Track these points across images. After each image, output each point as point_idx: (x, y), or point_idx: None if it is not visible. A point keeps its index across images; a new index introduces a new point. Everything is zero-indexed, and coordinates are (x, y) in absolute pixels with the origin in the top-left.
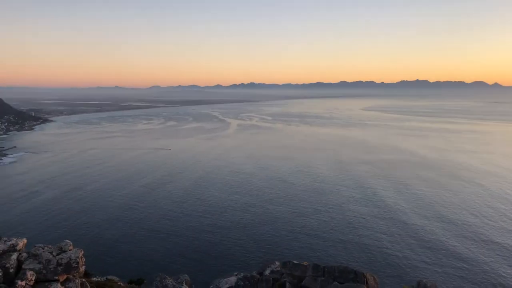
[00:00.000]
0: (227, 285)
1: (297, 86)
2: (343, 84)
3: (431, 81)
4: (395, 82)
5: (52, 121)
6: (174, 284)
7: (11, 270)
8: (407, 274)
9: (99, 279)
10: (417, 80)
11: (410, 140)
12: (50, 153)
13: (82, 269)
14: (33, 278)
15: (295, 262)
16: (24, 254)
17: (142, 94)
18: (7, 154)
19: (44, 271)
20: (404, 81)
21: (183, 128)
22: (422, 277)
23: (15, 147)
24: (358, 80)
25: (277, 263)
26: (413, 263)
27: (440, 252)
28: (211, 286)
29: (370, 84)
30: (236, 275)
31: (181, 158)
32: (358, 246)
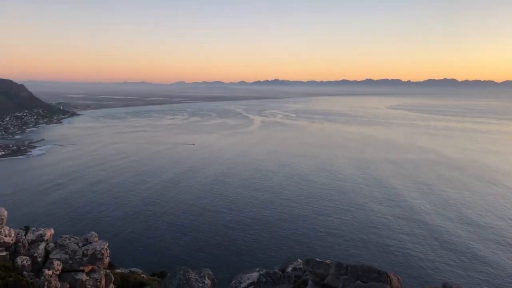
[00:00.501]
0: (249, 281)
1: (322, 83)
2: (368, 82)
3: (459, 80)
4: (422, 80)
5: (79, 114)
6: (197, 278)
7: (39, 259)
8: (429, 276)
9: (122, 271)
10: (445, 79)
11: (436, 139)
12: (76, 146)
13: (106, 260)
14: (60, 268)
15: (317, 260)
16: (51, 244)
17: (167, 90)
18: (36, 146)
19: (70, 261)
20: (431, 79)
21: (207, 124)
22: (446, 280)
23: (43, 139)
24: (384, 78)
25: (300, 260)
26: (436, 265)
27: (464, 254)
28: (233, 281)
29: (396, 82)
30: (258, 271)
31: (204, 153)
32: (380, 247)
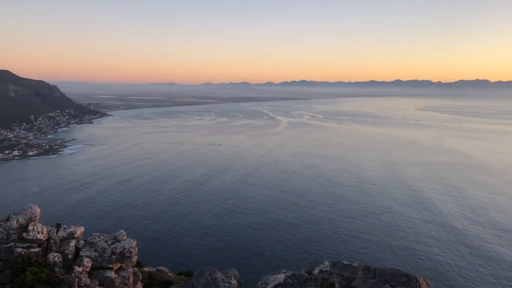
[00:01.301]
0: (276, 282)
1: (350, 84)
2: (397, 83)
3: (492, 81)
4: (453, 81)
5: (109, 115)
6: (224, 278)
7: (70, 256)
8: (458, 282)
9: (150, 269)
10: (477, 80)
11: (466, 142)
12: (106, 145)
13: (134, 258)
14: (89, 265)
15: (345, 262)
16: (82, 242)
17: (194, 91)
18: (68, 146)
19: (99, 259)
20: (462, 80)
21: (234, 125)
22: (477, 287)
23: (74, 139)
24: (413, 79)
25: (326, 262)
26: (465, 272)
27: (495, 261)
28: (260, 282)
29: (426, 83)
30: (285, 272)
31: (230, 154)
32: (407, 251)
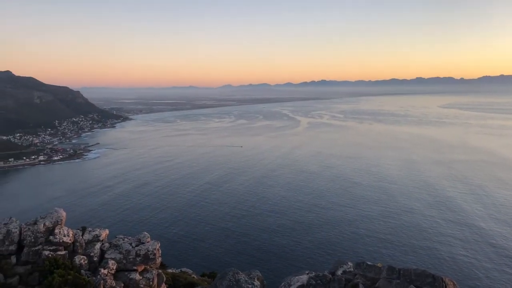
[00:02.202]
0: (299, 283)
1: (370, 83)
2: (419, 81)
3: None
4: (476, 78)
5: (131, 119)
6: (247, 279)
7: (95, 259)
8: (483, 282)
9: (173, 271)
10: (502, 75)
11: (491, 139)
12: (128, 149)
13: (158, 260)
14: (114, 267)
15: (369, 263)
16: (107, 244)
17: (214, 93)
18: (91, 150)
19: (124, 261)
20: (486, 76)
21: (254, 126)
22: None
23: (98, 143)
24: (435, 76)
25: (350, 263)
26: (491, 272)
27: None
28: (283, 283)
29: (449, 80)
30: (308, 273)
31: (250, 155)
32: (431, 252)
